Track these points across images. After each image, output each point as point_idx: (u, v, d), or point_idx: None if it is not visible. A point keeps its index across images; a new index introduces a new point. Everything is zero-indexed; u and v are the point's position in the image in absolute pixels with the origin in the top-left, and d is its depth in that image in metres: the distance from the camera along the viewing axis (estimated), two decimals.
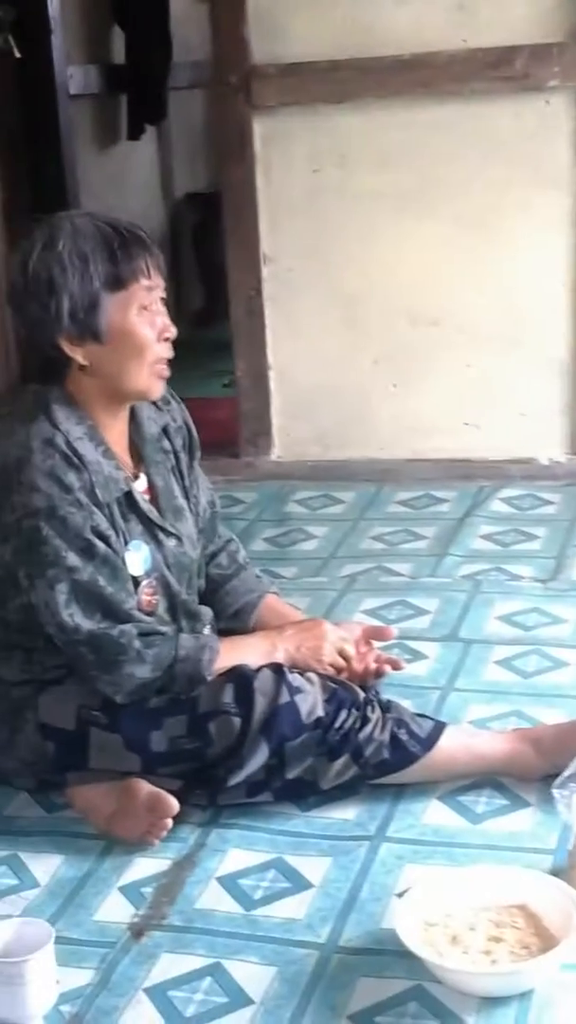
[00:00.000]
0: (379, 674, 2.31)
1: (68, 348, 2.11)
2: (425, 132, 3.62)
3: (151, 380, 2.15)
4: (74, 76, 5.10)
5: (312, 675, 2.16)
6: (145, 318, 2.11)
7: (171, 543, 2.24)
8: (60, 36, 4.90)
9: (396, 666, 2.36)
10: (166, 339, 2.14)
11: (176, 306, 5.80)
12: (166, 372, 2.17)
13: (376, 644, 2.40)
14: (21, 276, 2.10)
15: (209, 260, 5.78)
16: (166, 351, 2.15)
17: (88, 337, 2.10)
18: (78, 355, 2.12)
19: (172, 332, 2.15)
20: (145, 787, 2.09)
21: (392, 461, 3.82)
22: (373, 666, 2.32)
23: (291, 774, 2.11)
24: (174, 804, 2.06)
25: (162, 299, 2.15)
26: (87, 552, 2.07)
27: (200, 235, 6.01)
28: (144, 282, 2.10)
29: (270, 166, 3.75)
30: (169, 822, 2.06)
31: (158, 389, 2.18)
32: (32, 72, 4.82)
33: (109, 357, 2.12)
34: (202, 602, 2.37)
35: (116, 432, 2.21)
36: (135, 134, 5.59)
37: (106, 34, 5.56)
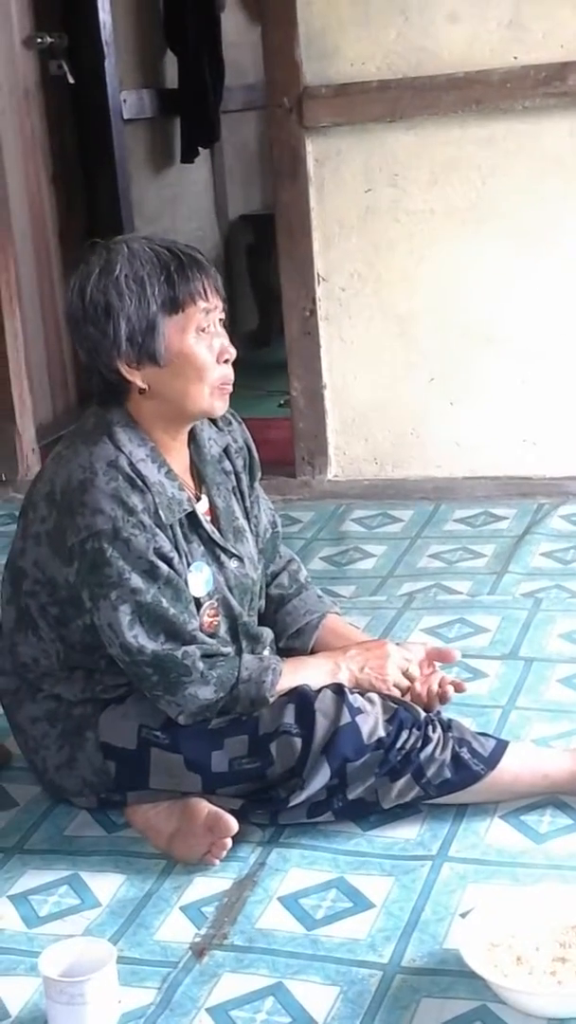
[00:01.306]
0: (443, 698, 2.29)
1: (127, 372, 2.12)
2: (478, 149, 3.62)
3: (213, 400, 2.16)
4: (128, 101, 5.16)
5: (373, 695, 2.15)
6: (203, 340, 2.12)
7: (233, 564, 2.24)
8: (113, 62, 4.96)
9: (460, 688, 2.34)
10: (226, 360, 2.15)
11: (231, 326, 5.82)
12: (229, 390, 2.17)
13: (439, 666, 2.39)
14: (79, 301, 2.11)
15: (263, 281, 5.81)
16: (226, 372, 2.16)
17: (146, 360, 2.11)
18: (137, 379, 2.13)
19: (231, 353, 2.16)
20: (205, 807, 2.09)
21: (449, 479, 3.81)
22: (436, 689, 2.31)
23: (352, 794, 2.10)
24: (234, 824, 2.05)
25: (221, 320, 2.16)
26: (150, 574, 2.08)
27: (254, 256, 6.04)
28: (201, 304, 2.11)
29: (323, 186, 3.76)
30: (229, 842, 2.06)
31: (221, 407, 2.19)
32: (86, 97, 4.89)
33: (168, 380, 2.13)
34: (263, 622, 2.36)
35: (177, 454, 2.22)
36: (189, 157, 5.63)
37: (159, 59, 5.61)
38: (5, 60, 4.43)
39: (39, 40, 4.63)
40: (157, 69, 5.61)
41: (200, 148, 5.68)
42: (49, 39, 4.66)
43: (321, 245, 3.80)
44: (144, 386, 2.13)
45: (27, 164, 4.60)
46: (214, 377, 2.14)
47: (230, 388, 2.17)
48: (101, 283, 2.09)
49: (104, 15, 4.89)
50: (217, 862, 2.07)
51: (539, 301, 3.67)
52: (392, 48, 3.61)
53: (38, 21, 4.65)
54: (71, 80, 4.74)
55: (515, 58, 3.52)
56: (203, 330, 2.12)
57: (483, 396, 3.77)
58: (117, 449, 2.10)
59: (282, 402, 4.38)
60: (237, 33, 5.95)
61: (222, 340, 2.15)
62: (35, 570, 2.16)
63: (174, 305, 2.09)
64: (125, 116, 5.12)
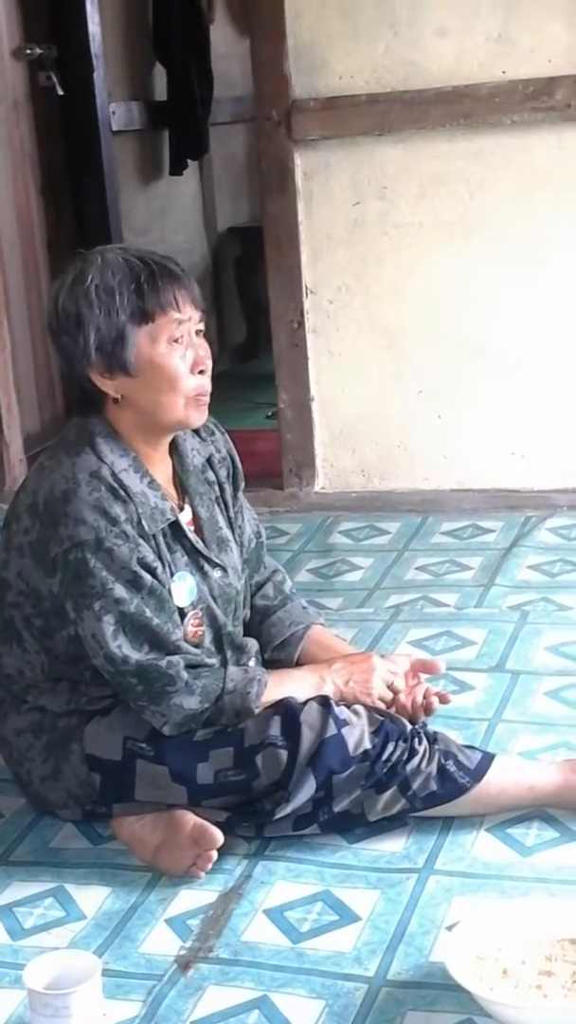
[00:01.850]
0: (428, 710, 2.29)
1: (99, 381, 2.13)
2: (466, 163, 3.63)
3: (188, 411, 2.15)
4: (116, 112, 5.16)
5: (359, 707, 2.15)
6: (176, 350, 2.11)
7: (216, 574, 2.24)
8: (102, 73, 4.96)
9: (444, 700, 2.34)
10: (201, 372, 2.14)
11: (219, 339, 5.84)
12: (205, 401, 2.17)
13: (424, 677, 2.39)
14: (53, 310, 2.13)
15: (251, 293, 5.82)
16: (201, 383, 2.15)
17: (118, 370, 2.11)
18: (109, 388, 2.13)
19: (207, 365, 2.14)
20: (191, 819, 2.08)
21: (437, 491, 3.81)
22: (421, 700, 2.31)
23: (338, 807, 2.09)
24: (219, 836, 2.05)
25: (199, 331, 2.15)
26: (134, 584, 2.08)
27: (242, 268, 6.05)
28: (173, 315, 2.10)
29: (311, 199, 3.77)
30: (215, 854, 2.05)
31: (198, 418, 2.18)
32: (75, 109, 4.89)
33: (140, 390, 2.12)
34: (248, 632, 2.36)
35: (159, 464, 2.22)
36: (177, 169, 5.64)
37: (148, 71, 5.61)
38: None
39: (28, 51, 4.63)
40: (146, 81, 5.61)
41: (189, 160, 5.69)
42: (38, 50, 4.66)
43: (309, 258, 3.81)
44: (117, 396, 2.13)
45: (16, 175, 4.60)
46: (187, 388, 2.13)
47: (206, 399, 2.17)
48: (72, 293, 2.10)
49: (93, 27, 4.90)
50: (203, 875, 2.06)
51: (527, 314, 3.68)
52: (381, 62, 3.62)
53: (27, 32, 4.65)
54: (60, 92, 4.73)
55: (503, 72, 3.54)
56: (176, 341, 2.11)
57: (471, 409, 3.78)
58: (99, 460, 2.10)
59: (270, 414, 4.39)
60: (226, 45, 5.96)
61: (197, 351, 2.14)
62: (19, 581, 2.16)
63: (144, 315, 2.09)
64: (114, 128, 5.12)
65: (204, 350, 2.15)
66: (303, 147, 3.73)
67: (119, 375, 2.12)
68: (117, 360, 2.10)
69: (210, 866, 2.05)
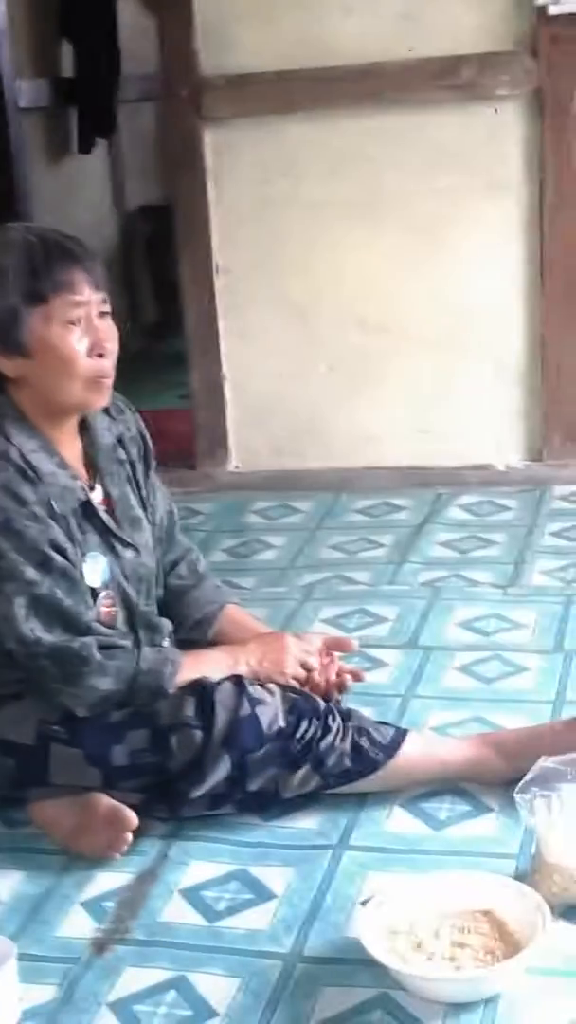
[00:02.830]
0: (341, 687, 2.30)
1: None
2: (373, 142, 3.63)
3: (87, 394, 2.13)
4: (23, 89, 5.10)
5: (273, 686, 2.15)
6: (72, 332, 2.09)
7: (128, 554, 2.23)
8: (8, 49, 4.89)
9: (358, 677, 2.36)
10: (99, 355, 2.12)
11: (131, 319, 5.80)
12: (105, 384, 2.14)
13: (338, 655, 2.40)
14: None
15: (162, 272, 5.77)
16: (100, 366, 2.12)
17: (13, 351, 2.09)
18: (8, 369, 2.11)
19: (106, 348, 2.12)
20: (105, 801, 2.08)
21: (349, 470, 3.82)
22: (334, 678, 2.32)
23: (253, 786, 2.10)
24: (133, 818, 2.05)
25: (103, 313, 2.13)
26: (44, 565, 2.07)
27: (153, 247, 6.01)
28: (69, 296, 2.08)
29: (221, 177, 3.75)
30: (129, 836, 2.05)
31: (98, 401, 2.16)
32: None
33: (36, 371, 2.10)
34: (162, 613, 2.36)
35: (68, 444, 2.20)
36: (86, 147, 5.58)
37: (55, 47, 5.55)
38: None
39: None
40: (53, 58, 5.54)
41: (97, 138, 5.63)
42: None
43: (220, 237, 3.79)
44: (14, 376, 2.11)
45: None
46: (83, 371, 2.10)
47: (107, 382, 2.14)
48: None
49: None
50: (119, 856, 2.06)
51: (434, 292, 3.69)
52: (288, 39, 3.61)
53: None
54: None
55: (409, 50, 3.54)
56: (72, 323, 2.09)
57: (381, 386, 3.79)
58: (7, 441, 2.09)
59: (182, 394, 4.37)
60: (134, 21, 5.90)
61: (97, 333, 2.11)
62: None
63: (37, 296, 2.06)
64: (20, 104, 5.06)
65: (105, 332, 2.12)
66: (212, 125, 3.72)
67: (15, 356, 2.09)
68: (11, 341, 2.08)
69: (125, 848, 2.05)
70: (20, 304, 2.06)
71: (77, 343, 2.09)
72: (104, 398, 2.16)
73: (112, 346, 2.13)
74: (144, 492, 2.34)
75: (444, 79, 3.52)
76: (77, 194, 5.64)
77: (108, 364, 2.13)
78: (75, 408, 2.17)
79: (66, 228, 2.20)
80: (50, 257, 2.07)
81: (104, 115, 5.58)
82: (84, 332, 2.10)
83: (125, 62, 5.65)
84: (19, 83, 5.05)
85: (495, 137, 3.57)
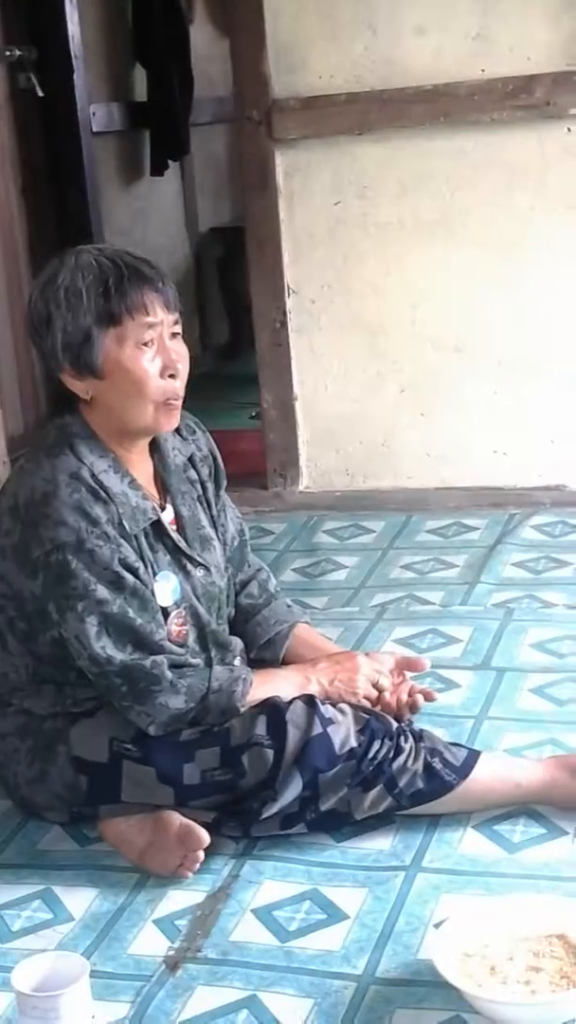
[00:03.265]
0: (413, 707, 2.29)
1: (69, 382, 2.13)
2: (445, 161, 3.63)
3: (157, 415, 2.14)
4: (97, 114, 5.15)
5: (344, 706, 2.15)
6: (144, 354, 2.10)
7: (199, 573, 2.24)
8: (82, 74, 4.95)
9: (429, 697, 2.35)
10: (171, 376, 2.13)
11: (202, 340, 5.84)
12: (175, 406, 2.15)
13: (409, 675, 2.39)
14: (28, 310, 2.15)
15: (234, 293, 5.81)
16: (171, 387, 2.13)
17: (86, 372, 2.11)
18: (79, 389, 2.13)
19: (178, 369, 2.13)
20: (177, 820, 2.08)
21: (421, 490, 3.82)
22: (406, 698, 2.31)
23: (325, 805, 2.09)
24: (205, 836, 2.05)
25: (175, 334, 2.14)
26: (116, 584, 2.08)
27: (224, 268, 6.05)
28: (141, 318, 2.09)
29: (292, 198, 3.77)
30: (201, 854, 2.05)
31: (167, 423, 2.17)
32: (55, 110, 4.88)
33: (108, 392, 2.12)
34: (233, 632, 2.36)
35: (139, 463, 2.21)
36: (158, 170, 5.63)
37: (128, 72, 5.61)
38: None
39: (8, 53, 4.62)
40: (126, 82, 5.60)
41: (170, 161, 5.68)
42: (18, 52, 4.65)
43: (291, 257, 3.81)
44: (87, 397, 2.13)
45: None
46: (154, 392, 2.11)
47: (177, 404, 2.15)
48: (44, 294, 2.11)
49: (73, 28, 4.89)
50: (190, 875, 2.06)
51: (508, 312, 3.68)
52: (360, 61, 3.63)
53: (7, 34, 4.64)
54: (40, 93, 4.72)
55: (482, 70, 3.54)
56: (145, 344, 2.10)
57: (454, 406, 3.78)
58: (79, 461, 2.10)
59: (253, 414, 4.38)
60: (207, 46, 5.96)
61: (168, 355, 2.12)
62: (1, 584, 2.16)
63: (110, 318, 2.08)
64: (94, 129, 5.11)
65: (177, 353, 2.13)
66: (284, 147, 3.74)
67: (88, 377, 2.11)
68: (84, 362, 2.10)
69: (197, 866, 2.05)
70: (93, 325, 2.08)
71: (149, 364, 2.11)
72: (174, 421, 2.17)
73: (184, 367, 2.14)
74: (214, 511, 2.35)
75: (517, 98, 3.51)
76: (150, 216, 5.69)
77: (179, 386, 2.14)
78: (145, 430, 2.18)
79: (139, 250, 2.22)
80: (122, 279, 2.09)
81: (177, 138, 5.63)
82: (156, 353, 2.11)
83: (198, 85, 5.70)
84: (92, 107, 5.11)
85: (569, 155, 3.56)
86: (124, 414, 2.13)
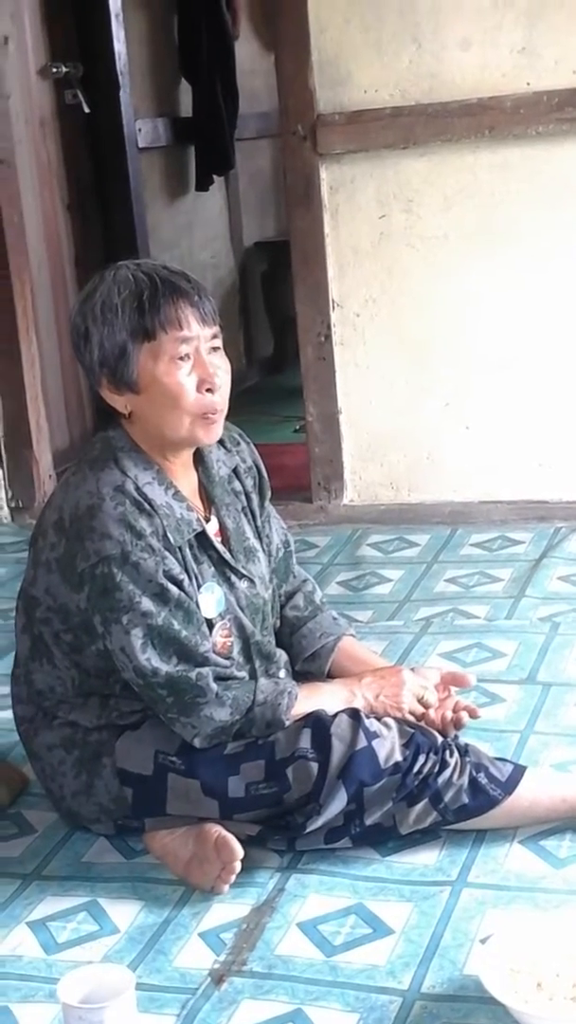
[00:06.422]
0: (457, 724, 2.28)
1: (108, 396, 2.15)
2: (491, 175, 3.63)
3: (195, 428, 2.14)
4: (142, 129, 5.19)
5: (390, 720, 2.14)
6: (180, 368, 2.10)
7: (243, 585, 2.24)
8: (128, 91, 4.99)
9: (474, 715, 2.33)
10: (208, 390, 2.12)
11: (246, 353, 5.85)
12: (213, 419, 2.14)
13: (455, 690, 2.38)
14: (70, 325, 2.17)
15: (278, 307, 5.83)
16: (208, 401, 2.12)
17: (124, 387, 2.12)
18: (118, 404, 2.15)
19: (216, 383, 2.12)
20: (216, 831, 2.08)
21: (465, 503, 3.81)
22: (451, 715, 2.30)
23: (370, 819, 2.09)
24: (239, 849, 2.04)
25: (214, 348, 2.14)
26: (161, 597, 2.08)
27: (269, 282, 6.06)
28: (176, 333, 2.09)
29: (337, 212, 3.78)
30: (237, 866, 2.04)
31: (206, 437, 2.16)
32: (101, 126, 4.93)
33: (146, 406, 2.13)
34: (279, 643, 2.36)
35: (183, 475, 2.22)
36: (203, 185, 5.66)
37: (174, 88, 5.64)
38: (21, 90, 4.46)
39: (55, 70, 4.66)
40: (172, 98, 5.64)
41: (215, 176, 5.71)
42: (64, 69, 4.69)
43: (336, 271, 3.82)
44: (125, 411, 2.14)
45: (43, 192, 4.63)
46: (191, 406, 2.11)
47: (216, 417, 2.14)
48: (82, 309, 2.13)
49: (119, 45, 4.93)
50: (226, 888, 2.05)
51: (553, 326, 3.67)
52: (404, 75, 3.63)
53: (53, 51, 4.68)
54: (86, 109, 4.77)
55: (527, 84, 3.54)
56: (181, 358, 2.10)
57: (498, 420, 3.77)
58: (123, 474, 2.11)
59: (297, 427, 4.39)
60: (251, 61, 5.98)
61: (206, 369, 2.12)
62: (47, 597, 2.17)
63: (145, 333, 2.09)
64: (140, 144, 5.15)
65: (216, 367, 2.13)
66: (328, 161, 3.74)
67: (125, 391, 2.13)
68: (121, 377, 2.11)
69: (232, 879, 2.05)
70: (129, 341, 2.09)
71: (185, 379, 2.11)
72: (213, 434, 2.17)
73: (222, 380, 2.14)
74: (259, 523, 2.35)
75: (563, 112, 3.51)
76: (195, 231, 5.72)
77: (217, 399, 2.13)
78: (184, 443, 2.18)
79: (184, 264, 2.23)
80: (157, 293, 2.09)
81: (222, 153, 5.65)
82: (193, 367, 2.11)
83: (242, 100, 5.73)
84: (138, 123, 5.15)
85: None
86: (162, 427, 2.14)
